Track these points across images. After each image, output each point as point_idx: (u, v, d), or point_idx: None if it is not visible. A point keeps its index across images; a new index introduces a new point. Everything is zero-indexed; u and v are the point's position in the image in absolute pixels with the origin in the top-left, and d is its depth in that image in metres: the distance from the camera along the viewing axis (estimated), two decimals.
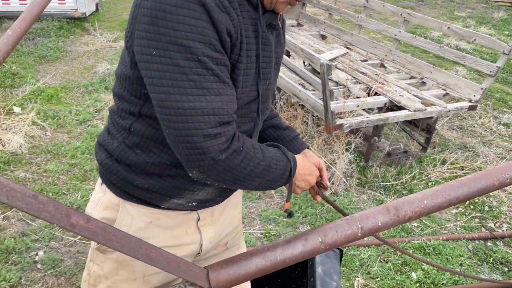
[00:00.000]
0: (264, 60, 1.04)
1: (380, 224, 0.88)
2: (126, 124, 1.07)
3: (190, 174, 0.97)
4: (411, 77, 4.40)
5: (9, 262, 2.70)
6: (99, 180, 1.18)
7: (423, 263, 2.92)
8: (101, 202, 1.14)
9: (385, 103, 3.73)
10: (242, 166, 0.96)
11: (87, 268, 1.19)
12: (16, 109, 4.17)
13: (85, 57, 5.83)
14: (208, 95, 0.89)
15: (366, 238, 3.14)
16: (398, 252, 3.03)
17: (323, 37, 5.54)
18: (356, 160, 3.82)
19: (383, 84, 3.99)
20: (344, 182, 3.61)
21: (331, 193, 3.58)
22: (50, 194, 3.31)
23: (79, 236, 2.95)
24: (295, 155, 1.14)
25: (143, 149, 1.06)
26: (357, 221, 0.89)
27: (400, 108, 3.64)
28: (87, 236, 0.65)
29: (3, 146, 3.70)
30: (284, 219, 3.31)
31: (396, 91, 3.87)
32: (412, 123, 4.07)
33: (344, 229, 0.88)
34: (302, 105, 3.94)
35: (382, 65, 4.76)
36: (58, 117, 4.25)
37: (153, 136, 1.04)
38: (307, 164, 1.17)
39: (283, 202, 3.53)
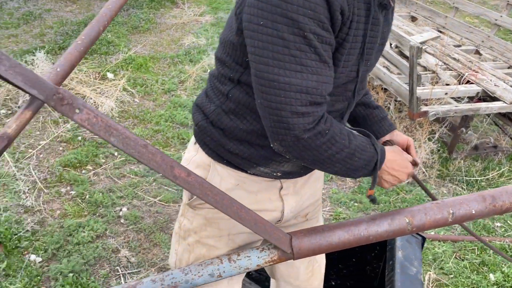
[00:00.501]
0: (369, 40, 1.02)
1: (473, 212, 0.84)
2: (225, 90, 1.10)
3: (271, 145, 0.99)
4: (510, 67, 4.03)
5: (97, 214, 2.97)
6: (193, 139, 1.25)
7: (503, 265, 2.72)
8: (193, 160, 1.21)
9: (478, 93, 3.47)
10: (323, 149, 0.96)
11: (178, 221, 1.28)
12: (110, 75, 4.48)
13: (173, 29, 6.07)
14: (305, 73, 0.89)
15: (442, 232, 3.00)
16: (476, 250, 2.86)
17: (413, 19, 5.24)
18: (438, 150, 3.63)
19: (477, 72, 3.70)
20: (424, 172, 3.45)
21: (408, 182, 3.44)
22: None
23: (158, 197, 3.16)
24: (387, 147, 1.10)
25: (238, 116, 1.10)
26: (449, 206, 0.85)
27: (494, 99, 3.37)
28: (186, 188, 0.70)
29: (97, 108, 4.01)
30: (356, 204, 3.26)
31: (491, 80, 3.58)
32: (506, 117, 3.75)
33: (434, 213, 0.85)
34: (385, 88, 3.79)
35: (477, 52, 4.41)
36: (146, 85, 4.50)
37: (249, 104, 1.07)
38: (398, 159, 1.11)
39: (356, 187, 3.47)
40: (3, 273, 2.45)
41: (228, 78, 1.09)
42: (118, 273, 2.59)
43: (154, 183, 3.30)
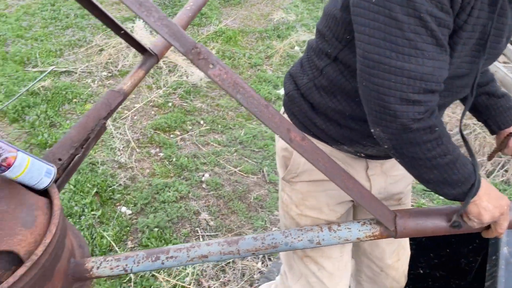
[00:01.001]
0: (494, 32, 0.92)
1: None
2: (320, 65, 1.08)
3: (371, 130, 0.93)
4: None
5: (182, 177, 3.13)
6: (282, 109, 1.25)
7: None
8: None
9: None
10: (427, 147, 0.87)
11: (280, 196, 1.32)
12: None
13: (263, 4, 6.08)
14: (421, 58, 0.82)
15: None
16: None
17: None
18: None
19: None
20: None
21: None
22: (220, 126, 3.67)
23: (239, 168, 3.25)
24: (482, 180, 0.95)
25: (328, 94, 1.08)
26: None
27: None
28: (300, 152, 0.71)
29: (187, 78, 4.18)
30: (440, 197, 3.09)
31: None
32: None
33: None
34: None
35: None
36: (233, 58, 4.59)
37: (341, 84, 1.04)
38: (494, 191, 0.96)
39: None
40: (98, 220, 2.70)
41: (325, 53, 1.06)
42: (198, 234, 2.73)
43: (235, 153, 3.40)
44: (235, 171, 3.22)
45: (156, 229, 2.63)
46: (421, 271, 1.43)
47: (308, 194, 1.20)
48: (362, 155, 1.16)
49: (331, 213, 1.22)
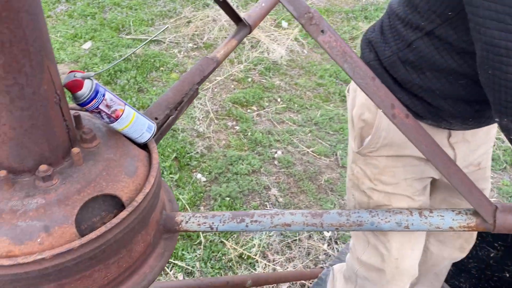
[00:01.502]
0: None
1: None
2: (408, 37, 0.98)
3: (496, 119, 0.86)
4: None
5: (255, 151, 3.18)
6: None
7: None
8: (361, 102, 1.17)
9: None
10: None
11: (351, 168, 1.28)
12: (284, 24, 4.59)
13: None
14: None
15: None
16: None
17: None
18: None
19: None
20: None
21: None
22: (296, 105, 3.66)
23: (311, 148, 3.23)
24: None
25: (416, 69, 0.99)
26: None
27: None
28: (402, 130, 0.68)
29: (268, 54, 4.19)
30: None
31: None
32: None
33: None
34: None
35: None
36: None
37: (434, 61, 0.96)
38: None
39: None
40: (175, 183, 2.84)
41: (416, 26, 0.96)
42: (267, 208, 2.78)
43: (309, 134, 3.37)
44: (308, 152, 3.21)
45: (227, 198, 2.71)
46: (507, 275, 1.33)
47: (386, 168, 1.16)
48: (445, 128, 1.10)
49: (408, 188, 1.17)
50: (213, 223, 0.86)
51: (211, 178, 2.89)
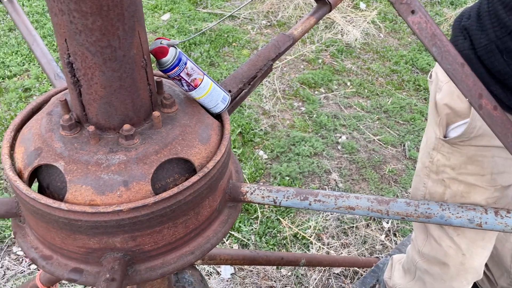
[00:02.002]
0: None
1: None
2: (510, 24, 0.89)
3: None
4: None
5: (319, 134, 3.15)
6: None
7: None
8: (450, 90, 1.10)
9: None
10: None
11: (429, 156, 1.21)
12: (362, 5, 4.42)
13: None
14: None
15: None
16: None
17: None
18: None
19: None
20: None
21: None
22: (366, 90, 3.55)
23: (378, 136, 3.14)
24: None
25: None
26: None
27: None
28: (488, 123, 0.64)
29: (342, 36, 4.08)
30: None
31: None
32: None
33: None
34: None
35: None
36: (395, 21, 4.31)
37: None
38: None
39: None
40: (238, 158, 2.90)
41: None
42: None
43: (377, 122, 3.27)
44: (374, 139, 3.12)
45: (287, 178, 2.73)
46: None
47: (474, 158, 1.09)
48: None
49: (491, 181, 1.10)
50: (276, 197, 0.88)
51: (273, 156, 2.92)
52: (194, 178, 0.78)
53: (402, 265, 1.51)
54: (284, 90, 3.54)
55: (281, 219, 2.43)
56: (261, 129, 3.13)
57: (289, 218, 2.46)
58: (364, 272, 2.13)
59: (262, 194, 0.89)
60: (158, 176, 0.79)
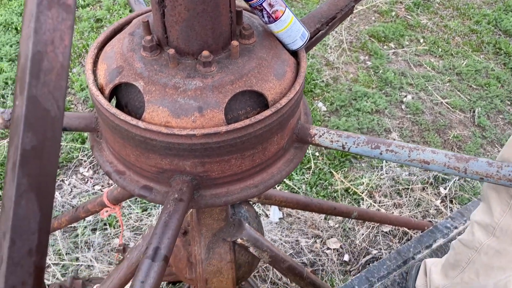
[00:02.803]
0: None
1: None
2: None
3: None
4: None
5: (383, 91, 3.03)
6: None
7: None
8: None
9: None
10: None
11: None
12: None
13: None
14: None
15: None
16: None
17: None
18: None
19: None
20: None
21: None
22: (440, 49, 3.32)
23: (446, 99, 2.96)
24: None
25: None
26: None
27: None
28: None
29: None
30: None
31: None
32: None
33: None
34: None
35: None
36: None
37: None
38: None
39: None
40: None
41: None
42: None
43: (448, 84, 3.08)
44: (442, 102, 2.96)
45: None
46: None
47: None
48: None
49: None
50: (346, 143, 0.86)
51: (332, 109, 2.86)
52: (267, 113, 0.78)
53: (443, 264, 1.43)
54: (351, 41, 3.39)
55: (334, 172, 2.42)
56: (323, 81, 3.05)
57: (342, 172, 2.44)
58: (414, 234, 2.10)
59: (331, 138, 0.87)
60: (231, 106, 0.79)
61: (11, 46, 3.11)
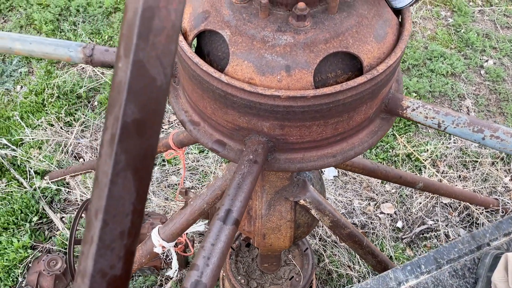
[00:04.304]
0: None
1: None
2: None
3: None
4: None
5: (462, 53, 2.77)
6: None
7: None
8: None
9: None
10: None
11: None
12: None
13: None
14: None
15: None
16: None
17: None
18: None
19: None
20: None
21: None
22: None
23: None
24: None
25: None
26: None
27: None
28: None
29: None
30: None
31: None
32: None
33: None
34: None
35: None
36: None
37: None
38: None
39: None
40: None
41: None
42: None
43: None
44: None
45: (413, 94, 2.51)
46: None
47: None
48: None
49: None
50: (443, 121, 0.76)
51: (403, 68, 2.67)
52: (361, 79, 0.70)
53: None
54: None
55: (397, 135, 2.30)
56: None
57: (407, 136, 2.31)
58: (476, 209, 1.99)
59: (426, 113, 0.78)
60: (320, 68, 0.71)
61: None
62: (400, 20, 0.80)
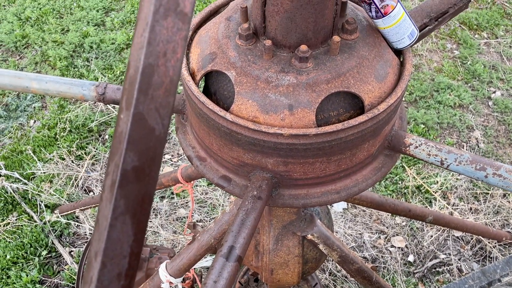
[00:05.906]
0: None
1: None
2: None
3: None
4: None
5: (469, 84, 2.79)
6: None
7: None
8: None
9: None
10: None
11: None
12: None
13: None
14: None
15: None
16: None
17: None
18: None
19: None
20: None
21: None
22: None
23: None
24: None
25: None
26: None
27: None
28: None
29: None
30: None
31: None
32: None
33: None
34: None
35: None
36: None
37: None
38: None
39: None
40: None
41: None
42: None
43: None
44: None
45: (422, 126, 2.51)
46: None
47: None
48: None
49: None
50: (446, 159, 0.77)
51: (410, 100, 2.69)
52: (362, 118, 0.71)
53: None
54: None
55: (407, 167, 2.29)
56: None
57: (416, 168, 2.30)
58: (489, 243, 1.95)
59: (429, 151, 0.79)
60: (322, 106, 0.73)
61: (97, 11, 3.22)
62: (401, 60, 0.82)
